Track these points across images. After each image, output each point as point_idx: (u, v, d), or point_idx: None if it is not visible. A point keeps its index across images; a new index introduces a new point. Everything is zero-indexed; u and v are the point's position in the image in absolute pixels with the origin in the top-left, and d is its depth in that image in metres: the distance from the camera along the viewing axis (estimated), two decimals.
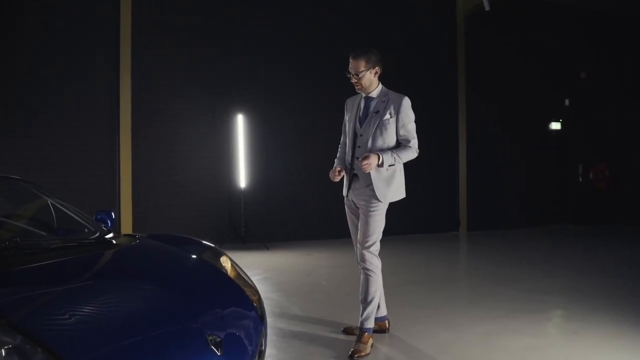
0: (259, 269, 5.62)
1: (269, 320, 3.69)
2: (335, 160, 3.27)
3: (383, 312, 3.30)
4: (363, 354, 2.86)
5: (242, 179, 7.21)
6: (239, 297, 2.28)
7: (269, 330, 3.41)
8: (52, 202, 2.84)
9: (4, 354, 1.41)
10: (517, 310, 3.76)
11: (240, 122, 7.21)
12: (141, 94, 7.01)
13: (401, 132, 3.00)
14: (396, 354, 2.95)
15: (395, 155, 2.92)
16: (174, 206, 7.18)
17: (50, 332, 1.55)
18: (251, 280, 2.61)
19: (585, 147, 9.99)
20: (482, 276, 5.09)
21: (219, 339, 1.83)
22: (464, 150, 8.87)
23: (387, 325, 3.31)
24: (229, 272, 2.54)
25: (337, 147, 3.32)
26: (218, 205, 7.40)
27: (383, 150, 2.96)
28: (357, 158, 3.04)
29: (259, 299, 2.47)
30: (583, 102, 9.88)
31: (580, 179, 10.07)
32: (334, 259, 6.19)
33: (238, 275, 2.58)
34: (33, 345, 1.46)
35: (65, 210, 2.81)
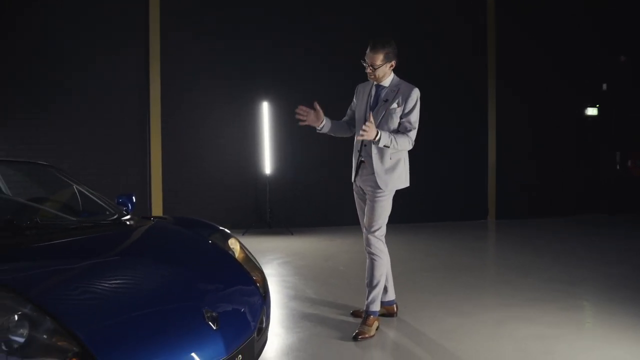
0: (281, 253, 5.77)
1: (283, 301, 3.84)
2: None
3: (391, 296, 3.37)
4: (367, 335, 2.95)
5: (268, 166, 7.36)
6: (241, 276, 2.40)
7: (280, 311, 3.56)
8: (77, 186, 3.03)
9: (16, 319, 1.57)
10: (532, 299, 3.75)
11: (265, 109, 7.33)
12: (170, 82, 7.23)
13: (402, 120, 3.03)
14: (400, 337, 3.02)
15: (392, 137, 2.93)
16: (202, 192, 7.41)
17: (58, 303, 1.71)
18: (258, 263, 2.73)
19: (624, 133, 9.60)
20: (503, 264, 5.07)
21: (215, 314, 1.96)
22: (493, 136, 8.69)
23: (395, 309, 3.38)
24: (237, 254, 2.66)
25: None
26: (244, 191, 7.58)
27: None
28: (365, 145, 3.09)
29: (264, 280, 2.59)
30: (622, 86, 9.48)
31: (618, 167, 9.71)
32: (356, 245, 6.25)
33: (246, 257, 2.71)
34: (41, 314, 1.62)
35: (88, 194, 2.99)
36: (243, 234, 7.07)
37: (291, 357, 2.75)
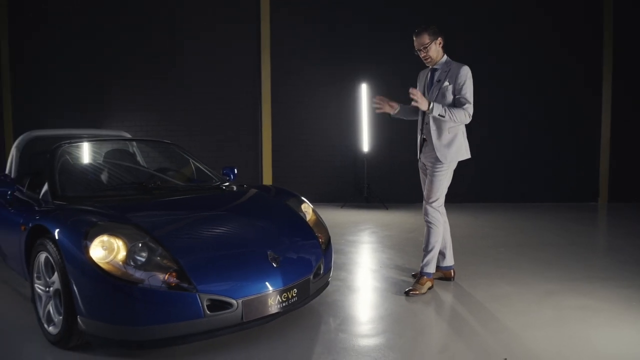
0: (371, 224, 6.31)
1: (358, 261, 4.42)
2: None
3: (450, 262, 3.74)
4: (417, 292, 3.40)
5: (365, 144, 7.88)
6: (305, 232, 3.03)
7: (351, 267, 4.14)
8: (192, 160, 3.91)
9: (140, 245, 2.36)
10: (595, 276, 3.81)
11: (364, 90, 7.82)
12: (278, 67, 8.09)
13: (457, 96, 3.34)
14: (449, 297, 3.42)
15: (446, 108, 3.26)
16: (305, 167, 8.22)
17: (168, 238, 2.49)
18: (325, 225, 3.32)
19: None
20: (587, 245, 5.03)
21: (277, 256, 2.61)
22: (607, 111, 8.12)
23: (452, 274, 3.75)
24: (308, 216, 3.28)
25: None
26: (344, 168, 8.22)
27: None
28: (426, 123, 3.48)
29: (327, 238, 3.19)
30: None
31: None
32: None
33: (316, 219, 3.32)
34: (156, 244, 2.40)
35: (200, 165, 3.85)
36: (341, 207, 7.74)
37: (349, 300, 3.33)
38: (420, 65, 3.60)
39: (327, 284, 3.11)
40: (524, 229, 5.87)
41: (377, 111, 3.59)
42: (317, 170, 8.22)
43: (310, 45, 8.14)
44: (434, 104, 3.26)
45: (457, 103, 3.35)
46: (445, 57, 3.46)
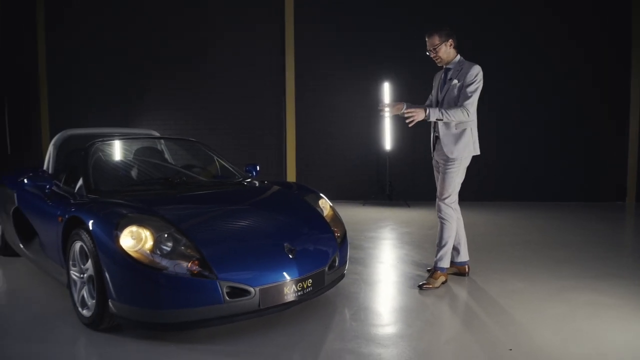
0: (392, 221, 6.41)
1: (375, 255, 4.54)
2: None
3: (464, 258, 3.82)
4: (431, 286, 3.50)
5: (388, 142, 7.96)
6: (322, 226, 3.18)
7: (368, 261, 4.26)
8: (217, 157, 4.10)
9: (166, 236, 2.54)
10: (611, 275, 3.82)
11: (386, 89, 7.90)
12: (302, 65, 8.26)
13: (461, 92, 3.44)
14: (462, 291, 3.51)
15: (443, 111, 3.38)
16: (329, 165, 8.36)
17: (192, 229, 2.67)
18: (341, 220, 3.45)
19: None
20: (607, 244, 4.99)
21: (292, 248, 2.76)
22: (637, 107, 7.94)
23: (466, 269, 3.83)
24: (326, 212, 3.43)
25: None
26: (366, 165, 8.33)
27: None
28: (437, 122, 3.58)
29: (343, 233, 3.33)
30: None
31: None
32: (464, 219, 6.57)
33: (333, 215, 3.46)
34: (181, 234, 2.58)
35: (224, 162, 4.03)
36: (363, 204, 7.85)
37: (364, 292, 3.46)
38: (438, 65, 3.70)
39: (342, 276, 3.25)
40: (544, 228, 5.87)
41: (388, 117, 3.71)
42: (340, 168, 8.36)
43: (334, 45, 8.27)
44: (430, 110, 3.38)
45: (460, 99, 3.45)
46: (458, 57, 3.55)
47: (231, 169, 3.96)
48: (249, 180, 3.81)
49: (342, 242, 3.24)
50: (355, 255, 4.45)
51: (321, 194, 3.62)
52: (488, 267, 4.08)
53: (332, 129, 8.36)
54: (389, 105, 3.64)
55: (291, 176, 8.35)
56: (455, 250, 3.76)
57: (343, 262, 3.21)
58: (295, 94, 8.32)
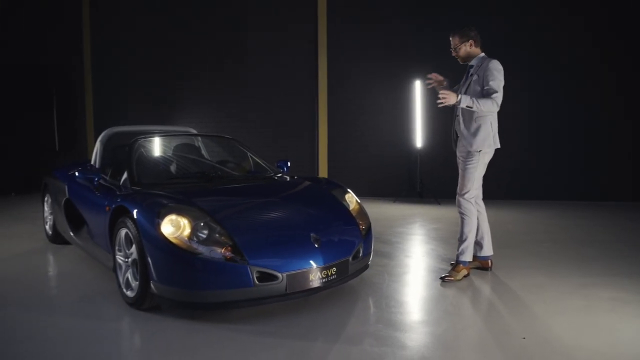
0: (422, 217, 6.51)
1: (403, 248, 4.68)
2: None
3: (487, 252, 3.91)
4: (453, 279, 3.62)
5: (419, 140, 8.04)
6: (347, 219, 3.36)
7: (394, 253, 4.40)
8: (250, 154, 4.34)
9: (202, 225, 2.78)
10: (635, 273, 3.82)
11: (417, 87, 7.98)
12: (334, 66, 8.45)
13: (485, 87, 3.52)
14: (483, 285, 3.61)
15: (474, 99, 3.45)
16: (360, 162, 8.51)
17: (226, 219, 2.91)
18: (366, 214, 3.61)
19: None
20: (634, 243, 4.94)
21: (318, 238, 2.95)
22: None
23: (489, 264, 3.92)
24: (352, 206, 3.60)
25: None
26: (397, 163, 8.43)
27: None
28: (457, 115, 3.71)
29: (368, 225, 3.49)
30: None
31: None
32: (493, 216, 6.60)
33: (359, 209, 3.63)
34: (215, 223, 2.81)
35: (257, 158, 4.27)
36: (394, 201, 7.96)
37: (387, 282, 3.61)
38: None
39: (366, 266, 3.42)
40: (575, 226, 5.83)
41: (429, 87, 3.85)
42: (371, 165, 8.49)
43: (365, 43, 8.41)
44: (462, 96, 3.46)
45: (485, 94, 3.53)
46: (481, 54, 3.66)
47: (263, 164, 4.19)
48: (279, 175, 4.03)
49: (367, 235, 3.41)
50: (382, 249, 4.60)
51: (348, 189, 3.79)
52: (512, 262, 4.15)
53: (363, 126, 8.51)
54: (435, 76, 3.76)
55: (323, 172, 8.56)
56: (478, 244, 3.86)
57: (367, 253, 3.37)
58: (328, 92, 8.52)
